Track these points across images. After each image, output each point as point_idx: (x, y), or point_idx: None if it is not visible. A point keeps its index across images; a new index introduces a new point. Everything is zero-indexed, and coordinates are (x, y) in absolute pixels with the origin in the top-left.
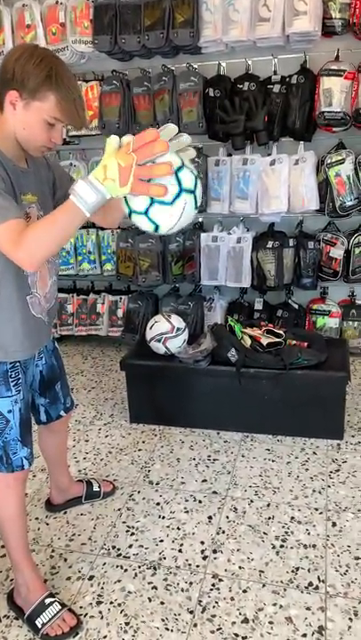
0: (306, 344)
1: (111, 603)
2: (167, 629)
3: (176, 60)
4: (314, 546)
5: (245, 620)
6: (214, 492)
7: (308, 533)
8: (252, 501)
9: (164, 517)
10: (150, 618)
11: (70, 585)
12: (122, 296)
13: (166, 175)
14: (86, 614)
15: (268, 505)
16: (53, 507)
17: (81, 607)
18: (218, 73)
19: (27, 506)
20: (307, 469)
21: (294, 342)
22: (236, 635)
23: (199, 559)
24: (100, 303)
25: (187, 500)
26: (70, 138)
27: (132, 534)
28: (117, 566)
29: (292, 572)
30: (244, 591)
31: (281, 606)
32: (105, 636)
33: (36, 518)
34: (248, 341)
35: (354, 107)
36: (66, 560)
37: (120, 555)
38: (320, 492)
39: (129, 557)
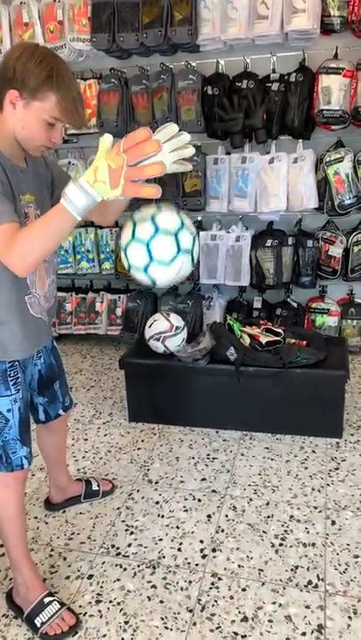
0: (305, 343)
1: (110, 602)
2: (166, 628)
3: (174, 58)
4: (313, 544)
5: (245, 619)
6: (213, 491)
7: (308, 532)
8: (251, 500)
9: (163, 516)
10: (150, 617)
11: (69, 584)
12: (121, 295)
13: (158, 175)
14: (85, 613)
15: (268, 503)
16: (52, 506)
17: (80, 606)
18: (216, 71)
19: (25, 505)
20: (306, 468)
21: (293, 341)
22: (236, 633)
23: (198, 558)
24: (99, 302)
25: (186, 499)
26: (68, 136)
27: (132, 533)
28: (117, 565)
29: (292, 570)
30: (244, 590)
31: (280, 605)
32: (104, 635)
33: (35, 517)
34: (247, 340)
35: (353, 105)
36: (65, 559)
37: (119, 554)
38: (319, 491)
39: (128, 556)
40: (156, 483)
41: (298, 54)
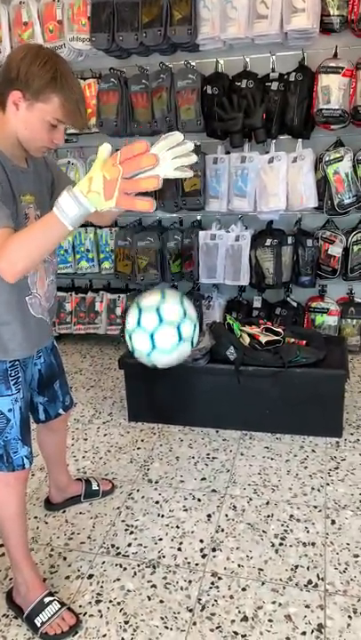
0: (304, 342)
1: (110, 601)
2: (166, 628)
3: (174, 58)
4: (313, 544)
5: (245, 618)
6: (213, 491)
7: (308, 531)
8: (251, 499)
9: (163, 516)
10: (150, 616)
11: (69, 584)
12: (120, 294)
13: (153, 189)
14: (85, 613)
15: (268, 503)
16: (52, 505)
17: (80, 606)
18: (216, 70)
19: (26, 504)
20: (306, 467)
21: (293, 340)
22: (236, 633)
23: (198, 557)
24: (99, 301)
25: (186, 499)
26: (68, 136)
27: (132, 533)
28: (116, 565)
29: (292, 569)
30: (244, 589)
31: (280, 604)
32: (104, 635)
33: (35, 517)
34: (247, 339)
35: (352, 104)
36: (65, 559)
37: (119, 553)
38: (319, 490)
39: (128, 556)
40: (156, 482)
41: (297, 54)
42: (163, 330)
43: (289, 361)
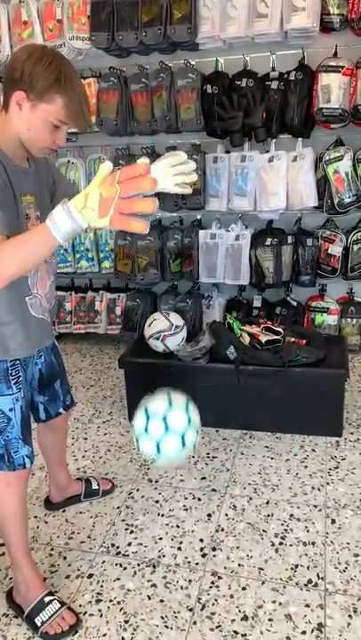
0: (304, 341)
1: (110, 601)
2: (167, 627)
3: (174, 57)
4: (313, 543)
5: (245, 618)
6: (213, 490)
7: (308, 531)
8: (251, 499)
9: (163, 515)
10: (150, 616)
11: (69, 583)
12: (120, 294)
13: (148, 212)
14: (86, 612)
15: (268, 502)
16: (52, 505)
17: (80, 605)
18: (216, 69)
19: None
20: (306, 467)
21: (293, 340)
22: (236, 632)
23: (198, 557)
24: (99, 301)
25: (186, 498)
26: (68, 135)
27: (132, 532)
28: (117, 564)
29: (292, 569)
30: (244, 589)
31: (280, 604)
32: (104, 634)
33: (35, 516)
34: (247, 339)
35: (352, 103)
36: (65, 558)
37: (119, 553)
38: (319, 490)
39: (128, 555)
40: (156, 482)
41: (297, 52)
42: (168, 438)
43: (289, 360)
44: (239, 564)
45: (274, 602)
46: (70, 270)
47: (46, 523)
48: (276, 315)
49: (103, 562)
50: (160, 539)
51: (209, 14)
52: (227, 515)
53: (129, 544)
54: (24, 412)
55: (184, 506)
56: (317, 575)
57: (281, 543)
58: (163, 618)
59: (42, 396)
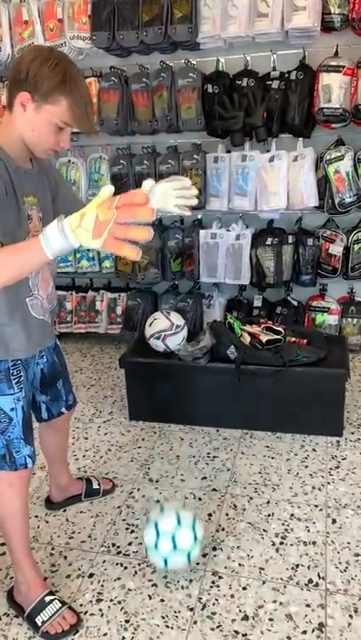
0: (305, 341)
1: (111, 600)
2: (167, 627)
3: (174, 57)
4: (314, 543)
5: (245, 618)
6: (214, 490)
7: (308, 530)
8: (251, 498)
9: None
10: (150, 615)
11: (70, 583)
12: (121, 293)
13: (142, 240)
14: (86, 612)
15: (268, 502)
16: (53, 504)
17: (81, 605)
18: (216, 69)
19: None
20: (306, 466)
21: (293, 339)
22: (237, 632)
23: (199, 557)
24: (99, 301)
25: (186, 498)
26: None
27: (132, 532)
28: (117, 564)
29: (292, 569)
30: (244, 588)
31: (281, 603)
32: (105, 634)
33: (36, 516)
34: (247, 339)
35: (353, 103)
36: (66, 558)
37: (120, 552)
38: (320, 489)
39: (129, 555)
40: (157, 481)
41: (298, 52)
42: (175, 557)
43: (290, 360)
44: (240, 564)
45: (274, 601)
46: (71, 270)
47: (47, 522)
48: (277, 314)
49: (104, 561)
50: None
51: (210, 14)
52: (227, 514)
53: (130, 543)
54: (25, 411)
55: (184, 505)
56: (318, 575)
57: (282, 543)
58: (163, 617)
59: (44, 396)
